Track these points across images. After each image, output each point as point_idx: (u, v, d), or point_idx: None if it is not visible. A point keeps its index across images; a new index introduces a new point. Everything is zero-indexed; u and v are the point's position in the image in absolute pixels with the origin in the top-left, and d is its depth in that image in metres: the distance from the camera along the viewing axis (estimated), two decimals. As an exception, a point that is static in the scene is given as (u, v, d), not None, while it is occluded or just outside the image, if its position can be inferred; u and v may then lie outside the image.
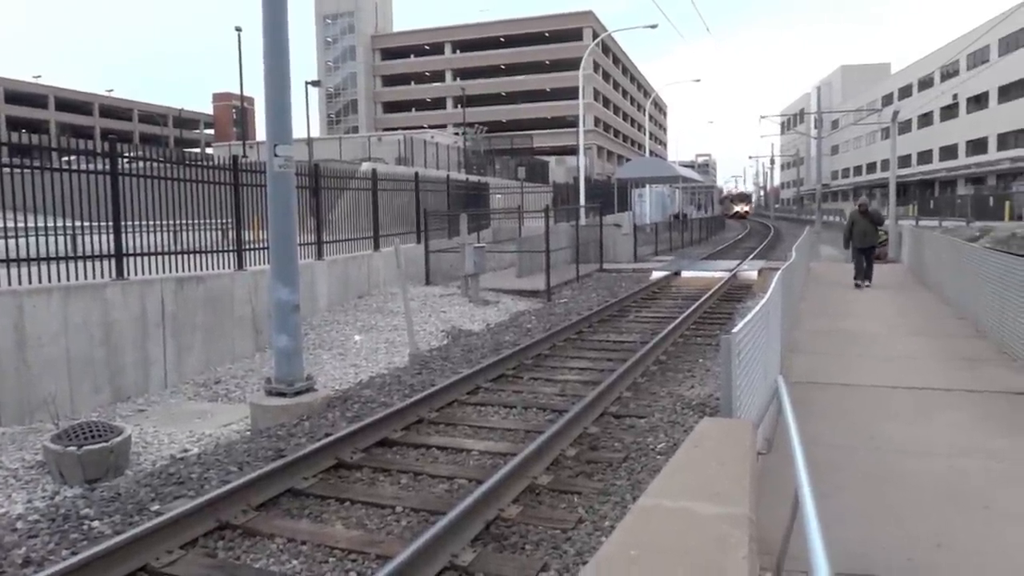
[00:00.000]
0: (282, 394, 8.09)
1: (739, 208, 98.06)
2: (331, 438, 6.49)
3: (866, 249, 15.64)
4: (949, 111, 64.73)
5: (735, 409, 4.06)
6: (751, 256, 28.50)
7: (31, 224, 8.50)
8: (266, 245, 10.55)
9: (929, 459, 5.38)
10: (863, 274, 15.61)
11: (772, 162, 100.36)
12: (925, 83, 68.70)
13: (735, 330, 4.19)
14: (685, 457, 3.00)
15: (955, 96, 62.17)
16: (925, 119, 69.24)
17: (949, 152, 65.65)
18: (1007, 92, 55.97)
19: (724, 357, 4.03)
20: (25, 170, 8.42)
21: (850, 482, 4.95)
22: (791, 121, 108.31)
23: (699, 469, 2.81)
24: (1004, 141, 56.76)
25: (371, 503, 5.49)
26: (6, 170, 8.24)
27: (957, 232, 28.87)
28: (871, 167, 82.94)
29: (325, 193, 14.40)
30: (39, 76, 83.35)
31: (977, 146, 60.85)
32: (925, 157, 70.41)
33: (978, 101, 60.36)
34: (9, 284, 8.04)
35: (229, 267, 11.33)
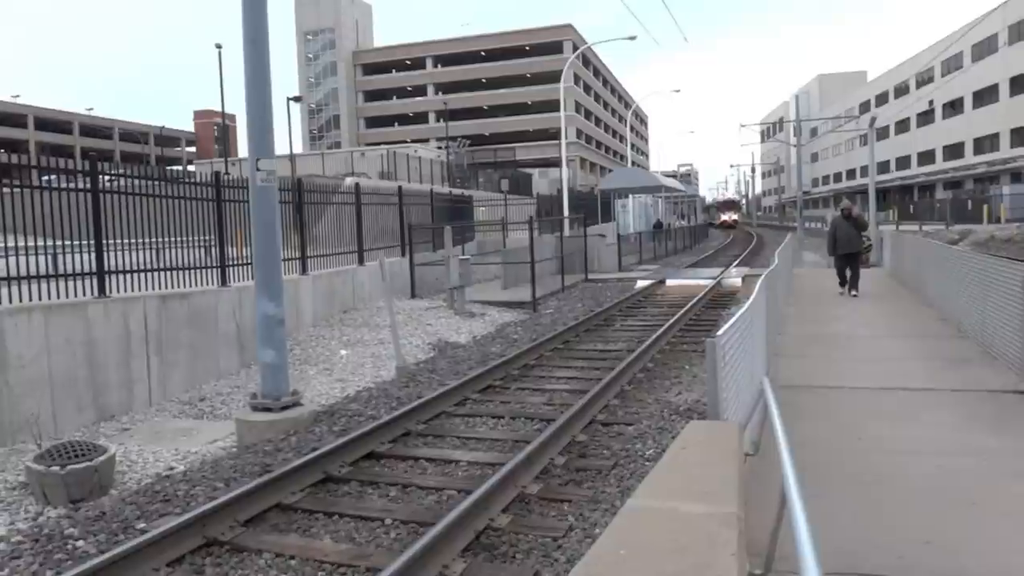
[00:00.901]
0: (268, 409, 8.03)
1: (727, 217, 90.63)
2: (318, 452, 6.45)
3: (850, 255, 14.83)
4: (925, 117, 65.58)
5: (722, 412, 4.07)
6: (735, 263, 28.68)
7: (11, 244, 8.42)
8: (250, 261, 10.50)
9: (917, 458, 5.42)
10: (848, 282, 14.86)
11: (753, 170, 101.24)
12: (901, 90, 69.58)
13: (719, 333, 4.21)
14: (672, 459, 3.00)
15: (931, 102, 63.04)
16: (902, 125, 70.08)
17: (927, 157, 66.45)
18: (981, 97, 56.81)
19: (709, 360, 4.05)
20: (5, 189, 8.34)
21: (839, 482, 4.97)
22: (771, 130, 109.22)
23: (686, 470, 2.81)
24: (980, 145, 57.56)
25: (360, 516, 5.45)
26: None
27: (937, 236, 29.16)
28: (851, 173, 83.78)
29: (309, 208, 14.36)
30: (18, 96, 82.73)
31: (954, 151, 61.65)
32: (904, 163, 71.23)
33: (953, 107, 61.22)
34: (-11, 304, 7.95)
35: (213, 283, 11.26)
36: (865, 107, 74.26)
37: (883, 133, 68.56)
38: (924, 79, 63.66)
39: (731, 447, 3.20)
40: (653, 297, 19.11)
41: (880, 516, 4.41)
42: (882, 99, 73.80)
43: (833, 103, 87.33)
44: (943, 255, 12.30)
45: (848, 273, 14.88)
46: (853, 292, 14.59)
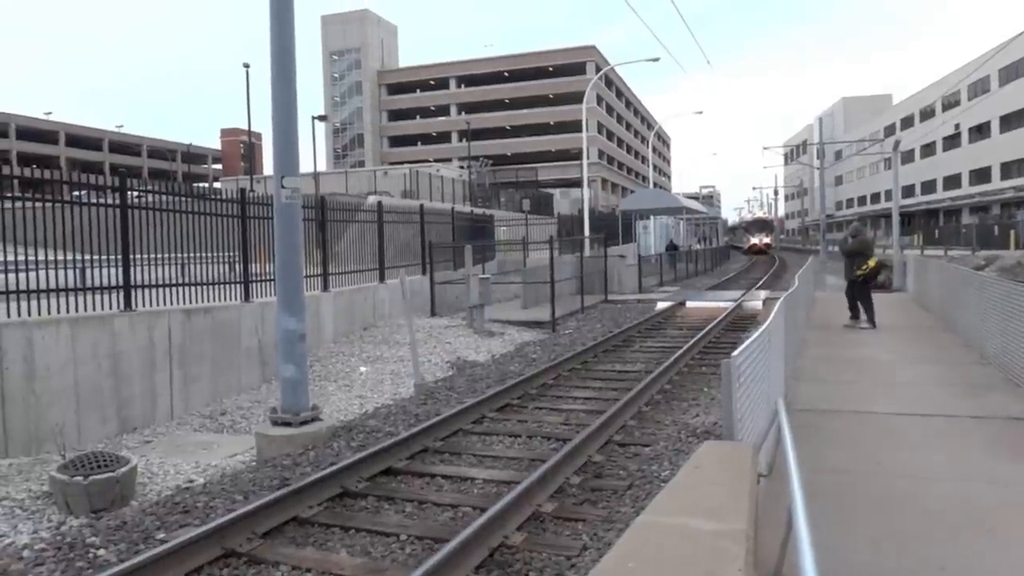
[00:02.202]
0: (288, 424, 8.11)
1: (757, 240, 74.33)
2: (336, 467, 6.50)
3: (857, 281, 13.82)
4: (951, 141, 65.05)
5: (736, 433, 4.08)
6: (756, 286, 28.53)
7: (41, 257, 8.62)
8: (273, 277, 10.64)
9: (935, 484, 5.38)
10: (859, 312, 13.74)
11: (776, 192, 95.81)
12: (927, 113, 69.13)
13: (735, 354, 4.23)
14: (685, 478, 3.03)
15: (957, 126, 62.54)
16: (928, 149, 69.57)
17: (953, 182, 65.84)
18: (1008, 121, 56.27)
19: (724, 380, 4.07)
20: (36, 204, 8.55)
21: (856, 507, 4.94)
22: (794, 152, 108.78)
23: (698, 488, 2.84)
24: (1007, 170, 56.93)
25: (376, 531, 5.49)
26: (17, 204, 8.37)
27: (963, 261, 28.86)
28: (875, 197, 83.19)
29: (331, 226, 14.54)
30: (50, 113, 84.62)
31: (980, 175, 61.03)
32: (929, 187, 70.62)
33: (980, 131, 60.68)
34: (19, 316, 8.13)
35: (236, 299, 11.41)
36: (890, 130, 73.83)
37: (908, 157, 68.15)
38: (950, 102, 63.22)
39: (744, 467, 3.21)
40: (673, 319, 19.06)
41: (896, 540, 4.39)
42: (907, 122, 73.38)
43: (858, 126, 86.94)
44: (966, 280, 12.19)
45: (856, 300, 13.93)
46: (865, 323, 13.48)
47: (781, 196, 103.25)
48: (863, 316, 13.69)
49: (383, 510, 6.03)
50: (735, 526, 2.29)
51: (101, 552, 5.18)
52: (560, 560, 4.89)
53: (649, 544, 2.20)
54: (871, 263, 13.79)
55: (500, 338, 15.74)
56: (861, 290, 13.75)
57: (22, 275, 8.29)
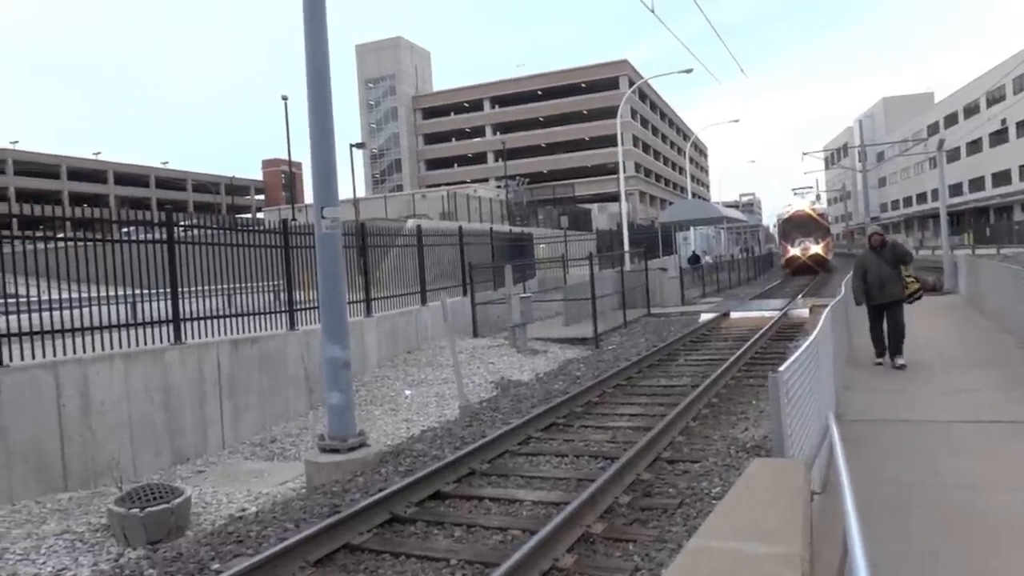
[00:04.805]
0: (336, 451, 8.18)
1: (799, 250, 46.58)
2: (385, 493, 6.53)
3: (888, 306, 10.19)
4: (998, 136, 63.45)
5: (787, 449, 4.00)
6: (801, 294, 28.04)
7: (93, 294, 8.87)
8: (317, 304, 10.80)
9: (997, 495, 5.20)
10: (886, 346, 10.33)
11: (818, 197, 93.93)
12: (971, 110, 67.60)
13: (782, 368, 4.16)
14: (736, 498, 2.97)
15: (1003, 121, 61.00)
16: (974, 146, 67.95)
17: (1002, 178, 64.13)
18: (1057, 114, 54.75)
19: (772, 396, 4.00)
20: (88, 243, 8.81)
21: (914, 520, 4.80)
22: (835, 155, 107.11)
23: (750, 510, 2.78)
24: (1058, 164, 55.32)
25: (425, 556, 5.49)
26: (70, 243, 8.64)
27: (1017, 259, 28.04)
28: (921, 197, 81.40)
29: (372, 251, 14.71)
30: (99, 152, 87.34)
31: (1030, 170, 59.40)
32: (977, 184, 68.89)
33: (1027, 125, 59.13)
34: (74, 352, 8.36)
35: (282, 327, 11.59)
36: (934, 128, 72.32)
37: (954, 155, 66.57)
38: (995, 98, 61.74)
39: (796, 485, 3.14)
40: (717, 330, 18.82)
41: (957, 556, 4.24)
42: (951, 120, 71.83)
43: (900, 126, 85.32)
44: (1019, 279, 11.83)
45: (886, 330, 10.27)
46: (899, 362, 10.02)
47: (824, 200, 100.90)
48: (884, 350, 10.36)
49: (432, 535, 6.03)
50: (789, 550, 2.24)
51: (158, 584, 5.26)
52: (612, 582, 4.83)
53: (701, 570, 2.16)
54: (912, 281, 10.41)
55: (543, 356, 15.71)
56: (898, 315, 10.20)
57: (76, 312, 8.54)
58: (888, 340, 10.28)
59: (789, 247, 47.29)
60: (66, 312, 8.47)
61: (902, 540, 4.48)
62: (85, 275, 8.67)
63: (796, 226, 47.85)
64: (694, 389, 10.51)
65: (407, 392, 12.36)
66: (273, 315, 11.54)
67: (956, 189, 68.46)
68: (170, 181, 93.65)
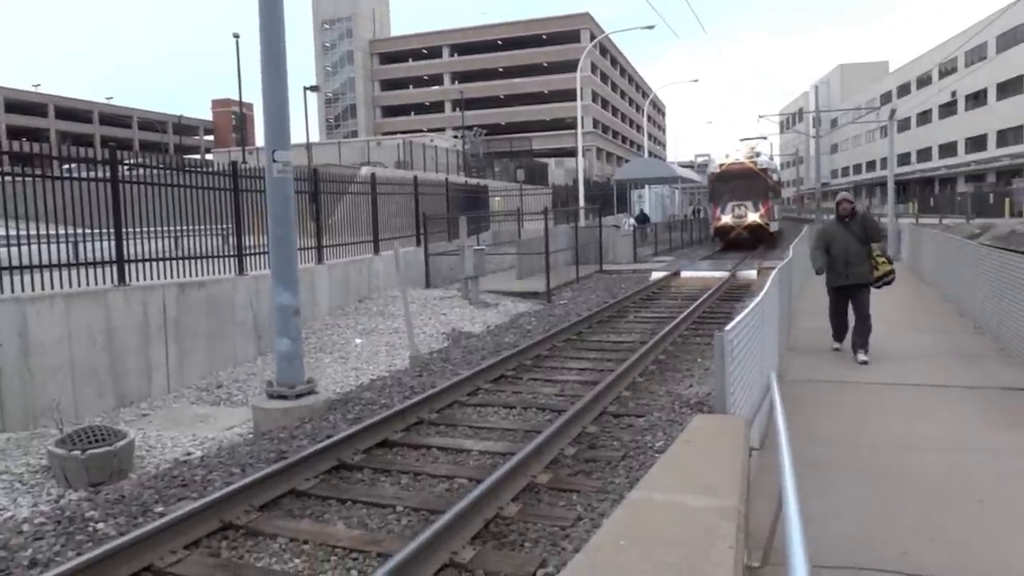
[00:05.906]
0: (284, 397, 8.14)
1: (730, 217, 33.16)
2: (332, 440, 6.54)
3: (852, 290, 8.78)
4: (948, 108, 64.85)
5: (729, 406, 4.12)
6: (750, 256, 28.56)
7: (33, 232, 8.57)
8: (267, 250, 10.61)
9: (927, 455, 5.44)
10: (853, 333, 8.81)
11: (759, 153, 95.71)
12: (923, 81, 68.81)
13: (728, 327, 4.25)
14: (677, 452, 3.05)
15: (953, 93, 62.29)
16: (924, 117, 69.34)
17: (949, 149, 65.76)
18: (1005, 89, 56.10)
19: (717, 354, 4.09)
20: (27, 178, 8.48)
21: (847, 477, 5.01)
22: (790, 120, 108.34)
23: (690, 463, 2.87)
24: (1003, 138, 56.88)
25: (372, 503, 5.54)
26: (7, 179, 8.31)
27: (957, 229, 28.95)
28: (871, 165, 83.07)
29: (325, 198, 14.46)
30: (39, 85, 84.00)
31: (976, 143, 60.96)
32: (925, 155, 70.52)
33: (976, 98, 60.51)
34: (12, 292, 8.11)
35: (230, 272, 11.39)
36: (887, 98, 73.54)
37: (904, 124, 67.88)
38: (947, 70, 62.91)
39: (737, 441, 3.24)
40: (667, 289, 19.11)
41: (885, 512, 4.45)
42: (904, 90, 73.04)
43: (854, 94, 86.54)
44: (960, 249, 12.22)
45: (852, 322, 8.87)
46: (861, 357, 8.53)
47: (777, 164, 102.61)
48: (848, 337, 8.99)
49: (379, 482, 6.08)
50: (726, 502, 2.32)
51: (100, 525, 5.22)
52: (555, 531, 4.95)
53: (640, 521, 2.23)
54: (883, 262, 8.90)
55: (495, 309, 15.77)
56: (864, 297, 8.79)
57: (14, 250, 8.26)
58: (853, 332, 8.80)
59: (720, 212, 33.61)
60: (3, 250, 8.18)
61: (834, 495, 4.67)
62: (24, 212, 8.37)
63: (730, 184, 33.55)
64: (642, 346, 10.70)
65: (357, 341, 12.32)
66: (221, 259, 11.32)
67: (904, 158, 70.00)
68: (115, 118, 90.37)
